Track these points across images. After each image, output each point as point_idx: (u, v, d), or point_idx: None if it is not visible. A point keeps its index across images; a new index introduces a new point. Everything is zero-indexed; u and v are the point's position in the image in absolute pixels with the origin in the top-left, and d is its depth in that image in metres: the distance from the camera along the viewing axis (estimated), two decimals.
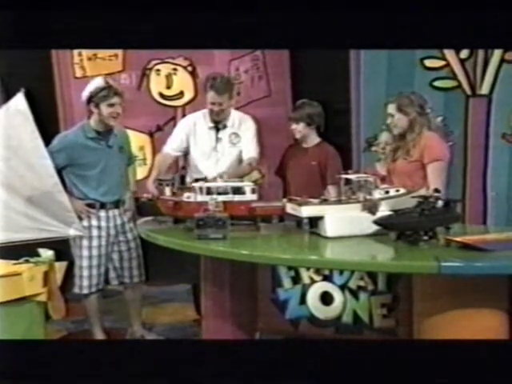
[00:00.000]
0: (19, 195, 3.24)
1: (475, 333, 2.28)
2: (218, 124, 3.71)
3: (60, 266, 3.08)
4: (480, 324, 2.32)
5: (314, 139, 3.71)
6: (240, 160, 3.71)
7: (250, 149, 3.70)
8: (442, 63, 3.98)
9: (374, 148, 3.58)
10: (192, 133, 3.71)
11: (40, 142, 3.25)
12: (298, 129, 3.66)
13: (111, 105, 3.35)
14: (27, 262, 2.93)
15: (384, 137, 3.54)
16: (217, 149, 3.70)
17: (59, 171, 3.36)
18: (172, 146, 3.74)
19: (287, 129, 3.91)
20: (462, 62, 3.96)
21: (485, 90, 3.85)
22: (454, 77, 3.98)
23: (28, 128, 3.22)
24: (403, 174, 3.11)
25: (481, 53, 3.89)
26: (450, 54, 3.95)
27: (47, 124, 3.67)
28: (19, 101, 3.27)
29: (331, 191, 3.54)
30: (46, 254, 3.02)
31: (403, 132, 3.14)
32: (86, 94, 3.39)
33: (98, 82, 3.38)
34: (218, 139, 3.71)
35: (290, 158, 3.71)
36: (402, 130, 3.15)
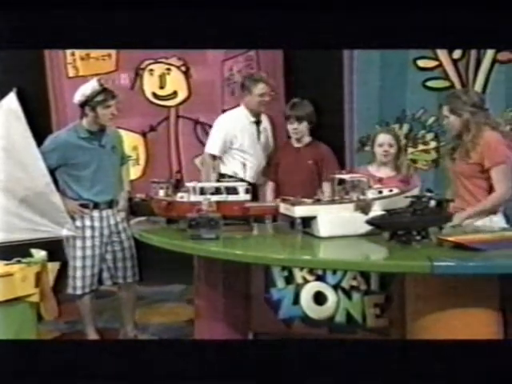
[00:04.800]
0: (11, 195, 3.22)
1: (468, 332, 2.28)
2: (258, 118, 3.83)
3: (52, 267, 3.06)
4: (472, 324, 2.32)
5: (306, 138, 3.70)
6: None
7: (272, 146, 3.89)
8: (434, 63, 4.01)
9: (372, 149, 3.49)
10: (233, 131, 3.77)
11: (32, 141, 3.23)
12: (300, 128, 3.64)
13: (108, 106, 3.34)
14: (19, 262, 2.92)
15: (385, 138, 3.42)
16: (260, 142, 3.83)
17: (52, 171, 3.35)
18: (217, 148, 3.78)
19: (280, 128, 3.92)
20: (455, 62, 3.98)
21: (477, 90, 3.86)
22: (447, 77, 4.00)
23: (20, 128, 3.21)
24: (462, 176, 2.99)
25: (473, 53, 3.92)
26: (442, 54, 3.97)
27: (40, 124, 3.66)
28: (11, 100, 3.25)
29: (326, 188, 3.54)
30: (39, 254, 3.00)
31: (459, 133, 3.00)
32: (80, 97, 3.35)
33: (93, 86, 3.34)
34: (259, 133, 3.83)
35: (282, 159, 3.70)
36: (457, 131, 3.01)
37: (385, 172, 3.41)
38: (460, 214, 2.89)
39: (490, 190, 2.94)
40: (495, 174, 2.90)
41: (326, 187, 3.56)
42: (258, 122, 3.85)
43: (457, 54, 3.96)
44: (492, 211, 2.94)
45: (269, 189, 3.70)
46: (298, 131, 3.64)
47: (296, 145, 3.69)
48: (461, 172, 3.00)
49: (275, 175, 3.72)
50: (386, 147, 3.40)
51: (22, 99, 3.29)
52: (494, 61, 3.88)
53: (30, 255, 3.01)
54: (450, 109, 3.00)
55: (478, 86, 3.90)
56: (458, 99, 3.01)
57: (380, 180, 3.28)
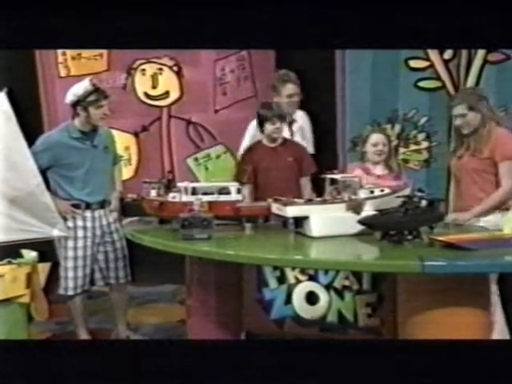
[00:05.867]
0: (2, 196, 3.20)
1: (459, 332, 2.29)
2: (289, 118, 3.81)
3: (43, 267, 3.06)
4: (463, 323, 2.33)
5: (280, 137, 3.60)
6: None
7: (312, 145, 3.89)
8: (426, 64, 4.02)
9: (364, 149, 3.50)
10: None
11: (23, 142, 3.22)
12: (281, 127, 3.54)
13: (100, 107, 3.32)
14: (10, 263, 2.91)
15: (379, 138, 3.43)
16: None
17: (43, 172, 3.33)
18: None
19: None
20: (446, 62, 4.00)
21: None
22: (438, 77, 4.02)
23: (11, 128, 3.19)
24: (472, 171, 3.02)
25: (464, 54, 3.94)
26: (434, 54, 3.99)
27: (31, 124, 3.64)
28: (2, 101, 3.23)
29: (306, 184, 3.54)
30: (29, 255, 3.00)
31: (475, 130, 3.02)
32: (72, 97, 3.33)
33: (85, 86, 3.32)
34: (292, 133, 3.82)
35: (258, 160, 3.55)
36: (473, 127, 3.03)
37: (377, 170, 3.43)
38: (470, 212, 2.94)
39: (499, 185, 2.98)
40: (503, 169, 2.94)
41: (305, 182, 3.56)
42: (290, 123, 3.83)
43: (448, 54, 3.98)
44: (499, 207, 2.95)
45: (245, 191, 3.40)
46: (280, 130, 3.56)
47: (271, 144, 3.57)
48: (473, 168, 3.02)
49: (251, 177, 3.50)
50: (380, 147, 3.42)
51: (13, 99, 3.27)
52: (485, 61, 3.90)
53: (21, 256, 3.01)
54: (468, 106, 3.02)
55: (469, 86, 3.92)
56: (473, 95, 3.07)
57: (378, 176, 3.31)
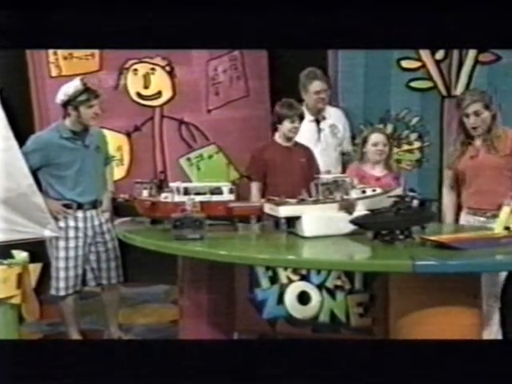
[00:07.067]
0: None
1: (450, 331, 2.30)
2: (318, 116, 3.85)
3: (34, 268, 3.04)
4: (455, 323, 2.34)
5: (294, 138, 3.63)
6: (340, 151, 3.92)
7: (349, 141, 3.91)
8: (418, 64, 4.04)
9: (364, 149, 3.49)
10: None
11: (14, 142, 3.19)
12: (299, 127, 3.51)
13: (91, 106, 3.31)
14: (0, 264, 2.89)
15: (379, 138, 3.45)
16: (320, 140, 3.83)
17: (34, 172, 3.31)
18: None
19: (266, 128, 3.91)
20: (438, 63, 4.01)
21: (459, 90, 3.90)
22: (430, 78, 4.04)
23: (1, 128, 3.17)
24: (493, 168, 3.04)
25: (455, 54, 3.96)
26: (425, 55, 4.01)
27: (22, 124, 3.62)
28: None
29: (313, 189, 3.52)
30: (20, 255, 2.98)
31: (488, 128, 3.05)
32: (63, 97, 3.32)
33: (76, 85, 3.31)
34: (319, 130, 3.85)
35: (270, 159, 3.53)
36: (487, 126, 3.05)
37: (378, 171, 3.44)
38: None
39: None
40: None
41: (313, 187, 3.54)
42: (318, 120, 3.85)
43: (439, 54, 3.99)
44: None
45: (254, 188, 3.53)
46: (297, 130, 3.52)
47: (285, 144, 3.55)
48: (494, 165, 3.04)
49: (262, 175, 3.54)
50: (381, 146, 3.44)
51: (4, 99, 3.25)
52: (476, 62, 3.92)
53: (12, 256, 2.99)
54: (484, 104, 3.05)
55: (461, 87, 3.94)
56: (485, 94, 3.11)
57: (378, 179, 3.33)
